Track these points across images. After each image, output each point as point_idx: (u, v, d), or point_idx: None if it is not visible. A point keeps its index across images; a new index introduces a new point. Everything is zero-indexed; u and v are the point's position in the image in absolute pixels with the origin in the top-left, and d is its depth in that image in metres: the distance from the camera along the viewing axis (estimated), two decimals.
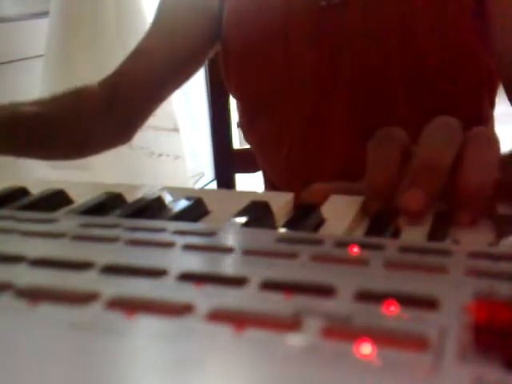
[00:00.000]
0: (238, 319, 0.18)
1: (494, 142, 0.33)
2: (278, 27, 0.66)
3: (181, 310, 0.18)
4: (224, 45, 0.71)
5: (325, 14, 0.63)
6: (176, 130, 1.36)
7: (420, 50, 0.61)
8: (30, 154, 0.73)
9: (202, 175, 1.54)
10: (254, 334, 0.17)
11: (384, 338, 0.16)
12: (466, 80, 0.63)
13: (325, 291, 0.19)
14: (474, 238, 0.29)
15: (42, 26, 1.27)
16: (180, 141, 1.39)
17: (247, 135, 0.77)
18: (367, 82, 0.63)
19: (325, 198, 0.35)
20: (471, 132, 0.34)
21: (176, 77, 0.77)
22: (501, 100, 0.66)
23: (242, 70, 0.71)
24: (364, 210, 0.33)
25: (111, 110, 0.73)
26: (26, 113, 0.67)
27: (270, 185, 0.80)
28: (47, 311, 0.19)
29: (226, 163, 1.00)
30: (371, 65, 0.63)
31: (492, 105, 0.68)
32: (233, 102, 0.97)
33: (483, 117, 0.67)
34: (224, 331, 0.17)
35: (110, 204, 0.34)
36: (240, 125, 0.77)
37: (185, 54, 0.74)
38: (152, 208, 0.33)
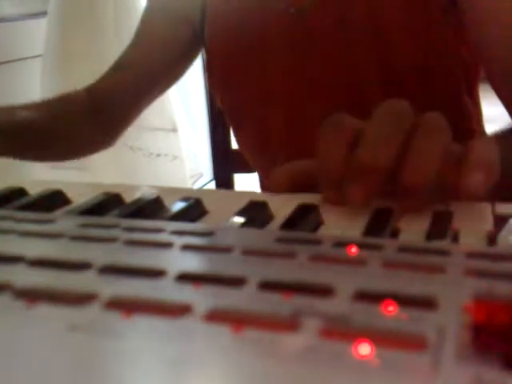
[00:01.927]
0: (236, 320, 0.18)
1: (443, 130, 0.33)
2: (255, 36, 0.67)
3: (179, 310, 0.18)
4: (207, 56, 0.73)
5: (296, 20, 0.64)
6: (174, 130, 1.36)
7: (392, 48, 0.61)
8: (21, 156, 0.75)
9: (200, 175, 1.54)
10: (252, 334, 0.17)
11: (382, 338, 0.16)
12: (440, 74, 0.63)
13: (323, 291, 0.19)
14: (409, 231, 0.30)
15: (41, 26, 1.27)
16: (178, 141, 1.39)
17: (237, 140, 0.78)
18: (343, 83, 0.64)
19: (290, 179, 0.36)
20: (421, 118, 0.33)
21: (158, 86, 0.80)
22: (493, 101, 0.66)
23: (224, 80, 0.72)
24: (325, 201, 0.34)
25: (95, 118, 0.77)
26: (20, 118, 0.68)
27: (264, 186, 0.81)
28: (45, 312, 0.19)
29: (225, 163, 1.00)
30: (345, 66, 0.63)
31: (474, 101, 0.68)
32: None
33: (465, 112, 0.67)
34: (222, 332, 0.17)
35: (108, 204, 0.34)
36: (232, 130, 0.78)
37: (166, 66, 0.77)
38: (150, 208, 0.33)
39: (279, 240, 0.25)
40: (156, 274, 0.22)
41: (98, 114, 0.76)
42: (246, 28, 0.68)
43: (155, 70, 0.76)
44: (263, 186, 0.81)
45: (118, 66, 0.77)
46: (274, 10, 0.65)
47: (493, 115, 0.73)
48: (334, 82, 0.64)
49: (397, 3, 0.60)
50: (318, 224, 0.31)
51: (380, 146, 0.32)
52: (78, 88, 0.77)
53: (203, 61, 1.02)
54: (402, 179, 0.31)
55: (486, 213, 0.31)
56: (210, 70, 0.74)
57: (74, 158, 0.84)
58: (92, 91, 0.77)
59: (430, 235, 0.29)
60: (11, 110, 0.69)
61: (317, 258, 0.23)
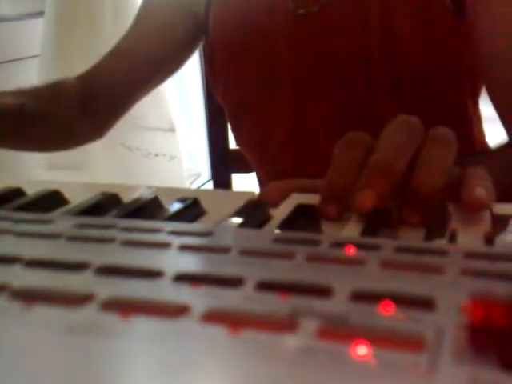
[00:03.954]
0: (233, 320, 0.18)
1: (451, 143, 0.33)
2: (261, 35, 0.67)
3: (177, 311, 0.18)
4: (210, 51, 0.72)
5: (305, 21, 0.64)
6: (172, 130, 1.36)
7: (401, 49, 0.61)
8: (6, 144, 0.73)
9: (198, 175, 1.54)
10: (250, 335, 0.17)
11: (380, 338, 0.16)
12: (446, 78, 0.63)
13: (321, 292, 0.19)
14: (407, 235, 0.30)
15: (38, 26, 1.27)
16: (176, 141, 1.39)
17: (236, 139, 0.78)
18: (350, 83, 0.64)
19: (282, 196, 0.35)
20: (430, 132, 0.34)
21: (154, 77, 0.77)
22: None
23: (227, 76, 0.72)
24: (323, 215, 0.33)
25: (87, 106, 0.74)
26: (5, 103, 0.67)
27: (263, 186, 0.80)
28: (42, 313, 0.19)
29: (223, 163, 1.00)
30: (353, 67, 0.63)
31: (475, 103, 0.69)
32: None
33: (467, 115, 0.67)
34: (220, 332, 0.17)
35: (105, 204, 0.34)
36: (231, 128, 0.78)
37: (164, 55, 0.75)
38: (148, 208, 0.33)
39: (277, 240, 0.25)
40: (154, 274, 0.22)
41: (89, 101, 0.74)
42: (252, 25, 0.67)
43: (153, 58, 0.74)
44: (262, 186, 0.81)
45: (115, 54, 0.75)
46: (283, 9, 0.65)
47: (491, 115, 0.73)
48: (339, 84, 0.64)
49: (408, 8, 0.60)
50: (316, 224, 0.31)
51: (394, 151, 0.32)
52: None
53: (201, 61, 1.01)
54: (413, 184, 0.31)
55: (484, 213, 0.31)
56: (211, 65, 0.73)
57: (60, 148, 0.81)
58: (84, 78, 0.75)
59: (429, 235, 0.29)
60: None
61: (315, 259, 0.23)
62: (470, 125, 0.67)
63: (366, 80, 0.63)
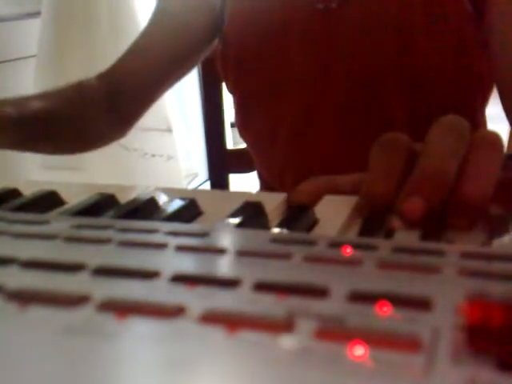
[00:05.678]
0: (230, 321, 0.18)
1: (498, 147, 0.32)
2: (277, 28, 0.67)
3: (173, 312, 0.18)
4: (224, 42, 0.72)
5: (322, 16, 0.64)
6: (169, 130, 1.36)
7: (416, 52, 0.61)
8: (37, 148, 0.74)
9: (195, 176, 1.54)
10: (246, 335, 0.17)
11: (377, 339, 0.16)
12: (459, 83, 0.63)
13: (318, 292, 0.19)
14: (467, 238, 0.29)
15: (35, 26, 1.27)
16: (173, 141, 1.39)
17: (242, 132, 0.78)
18: (362, 83, 0.64)
19: (315, 198, 0.34)
20: (476, 136, 0.33)
21: (174, 73, 0.78)
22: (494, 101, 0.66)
23: (240, 67, 0.72)
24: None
25: (110, 106, 0.74)
26: (35, 108, 0.67)
27: (265, 186, 0.80)
28: (38, 314, 0.19)
29: (220, 163, 1.00)
30: (367, 66, 0.63)
31: (482, 113, 0.69)
32: (226, 102, 0.97)
33: (476, 120, 0.67)
34: (217, 333, 0.17)
35: (102, 205, 0.34)
36: (235, 121, 0.78)
37: (183, 50, 0.75)
38: (145, 209, 0.33)
39: (274, 240, 0.25)
40: (150, 275, 0.21)
41: (114, 99, 0.74)
42: (267, 17, 0.68)
43: (174, 53, 0.74)
44: (263, 182, 0.81)
45: (134, 50, 0.75)
46: (301, 3, 0.65)
47: (494, 114, 0.73)
48: (352, 83, 0.64)
49: (426, 6, 0.60)
50: (313, 224, 0.31)
51: (444, 155, 0.31)
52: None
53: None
54: (461, 193, 0.30)
55: None
56: (223, 56, 0.73)
57: (87, 150, 0.82)
58: (105, 77, 0.75)
59: (425, 236, 0.29)
60: (23, 100, 0.68)
61: (312, 259, 0.23)
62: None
63: (377, 82, 0.63)
